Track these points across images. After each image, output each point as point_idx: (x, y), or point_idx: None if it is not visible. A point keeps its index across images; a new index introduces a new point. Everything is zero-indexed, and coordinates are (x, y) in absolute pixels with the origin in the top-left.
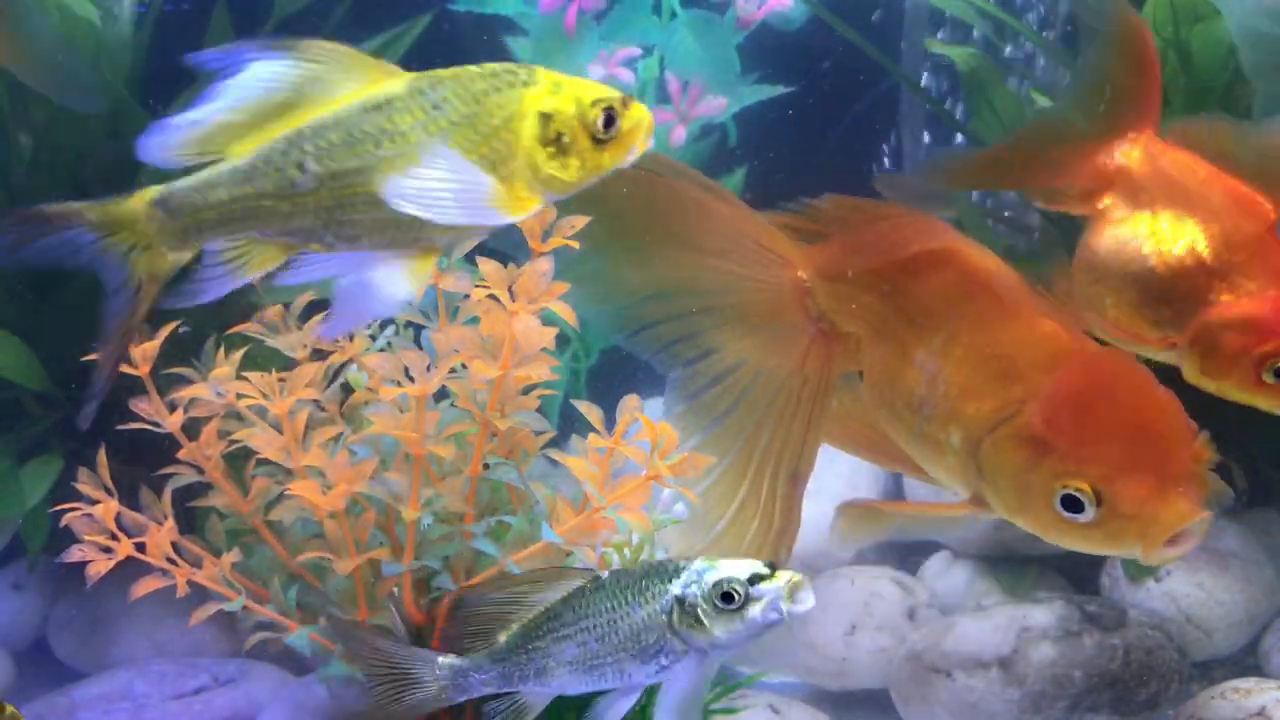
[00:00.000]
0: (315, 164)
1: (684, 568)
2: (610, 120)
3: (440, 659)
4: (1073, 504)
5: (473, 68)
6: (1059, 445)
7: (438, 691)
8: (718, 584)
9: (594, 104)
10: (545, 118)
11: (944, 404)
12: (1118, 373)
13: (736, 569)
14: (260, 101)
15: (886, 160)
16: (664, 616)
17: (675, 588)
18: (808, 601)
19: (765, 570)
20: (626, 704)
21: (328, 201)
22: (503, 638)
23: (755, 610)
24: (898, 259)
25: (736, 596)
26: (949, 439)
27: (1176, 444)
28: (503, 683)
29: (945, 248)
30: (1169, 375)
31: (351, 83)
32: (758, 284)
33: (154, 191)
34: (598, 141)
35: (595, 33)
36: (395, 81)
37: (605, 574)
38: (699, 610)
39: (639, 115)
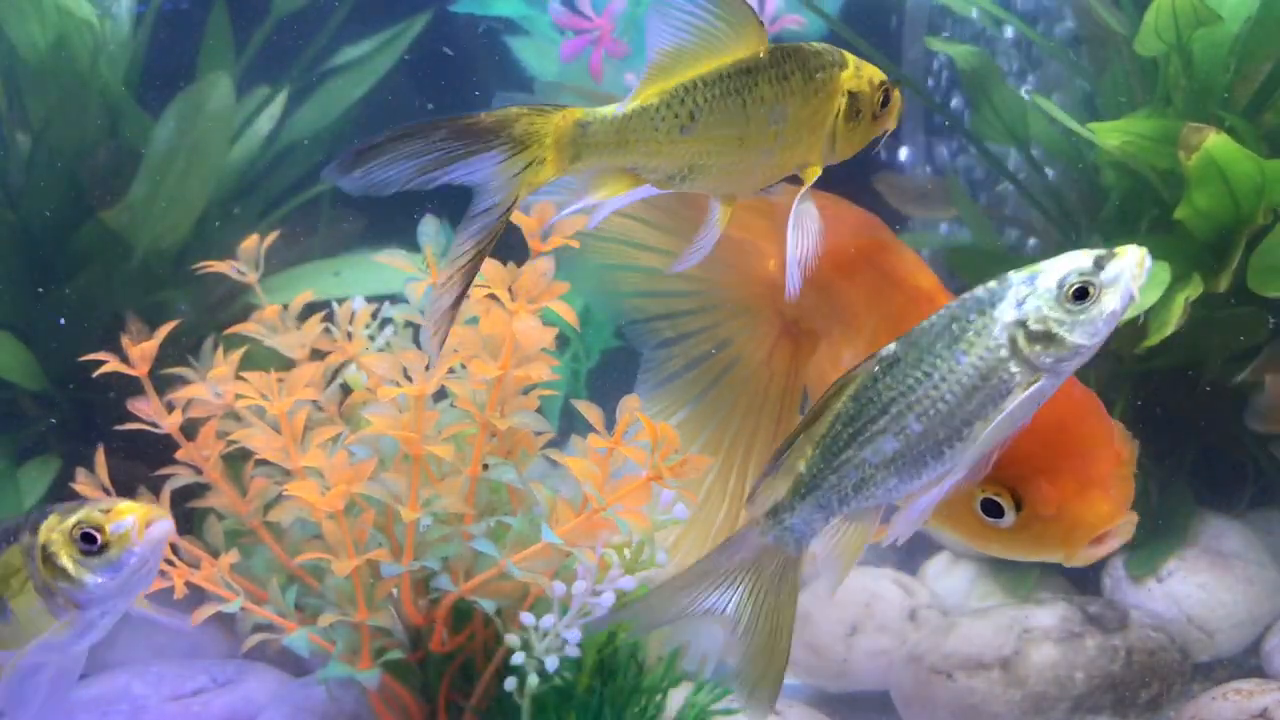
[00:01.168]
0: (701, 113)
1: (999, 290)
2: (887, 99)
3: (746, 527)
4: (993, 509)
5: (805, 46)
6: None
7: (770, 557)
8: (1062, 285)
9: (880, 85)
10: (852, 96)
11: None
12: None
13: (1073, 263)
14: (679, 51)
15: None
16: (1004, 350)
17: (1007, 313)
18: (1143, 271)
19: (1103, 252)
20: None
21: (697, 147)
22: (802, 466)
23: (1111, 297)
24: (831, 256)
25: (1092, 289)
26: None
27: (1095, 444)
28: (823, 513)
29: (872, 244)
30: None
31: (740, 46)
32: (732, 274)
33: (579, 113)
34: (873, 117)
35: (620, 70)
36: (761, 48)
37: (890, 349)
38: (1050, 321)
39: (897, 96)
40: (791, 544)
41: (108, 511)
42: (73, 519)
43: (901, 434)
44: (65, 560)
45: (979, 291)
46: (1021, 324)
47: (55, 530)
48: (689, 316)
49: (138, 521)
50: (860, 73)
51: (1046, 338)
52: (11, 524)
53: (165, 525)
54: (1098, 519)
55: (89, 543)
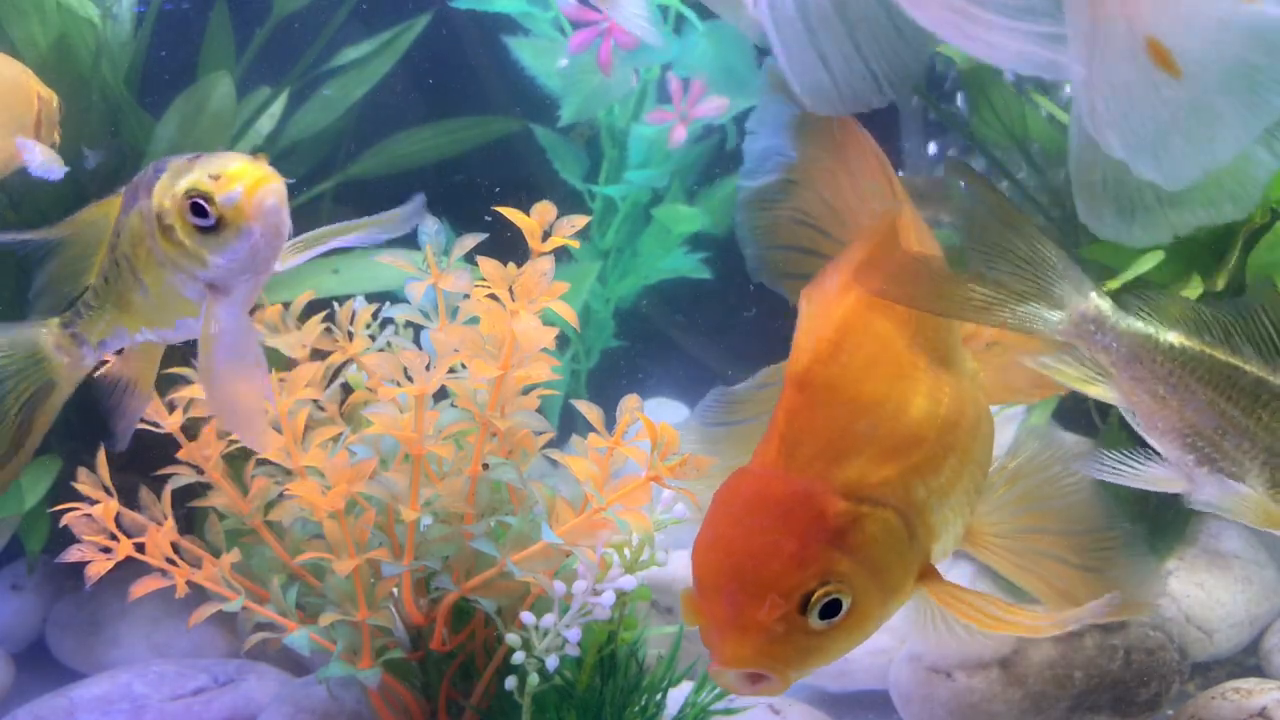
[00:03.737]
0: None
1: None
2: None
3: None
4: None
5: None
6: None
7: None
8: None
9: None
10: None
11: None
12: (760, 494)
13: None
14: None
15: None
16: None
17: None
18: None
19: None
20: None
21: None
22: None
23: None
24: None
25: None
26: None
27: (749, 586)
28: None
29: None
30: None
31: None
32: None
33: None
34: None
35: (628, 63)
36: None
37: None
38: None
39: None
40: None
41: (217, 177)
42: (183, 184)
43: None
44: (182, 235)
45: None
46: None
47: (167, 195)
48: None
49: (246, 193)
50: None
51: None
52: (139, 178)
53: (276, 189)
54: (720, 658)
55: (200, 215)
